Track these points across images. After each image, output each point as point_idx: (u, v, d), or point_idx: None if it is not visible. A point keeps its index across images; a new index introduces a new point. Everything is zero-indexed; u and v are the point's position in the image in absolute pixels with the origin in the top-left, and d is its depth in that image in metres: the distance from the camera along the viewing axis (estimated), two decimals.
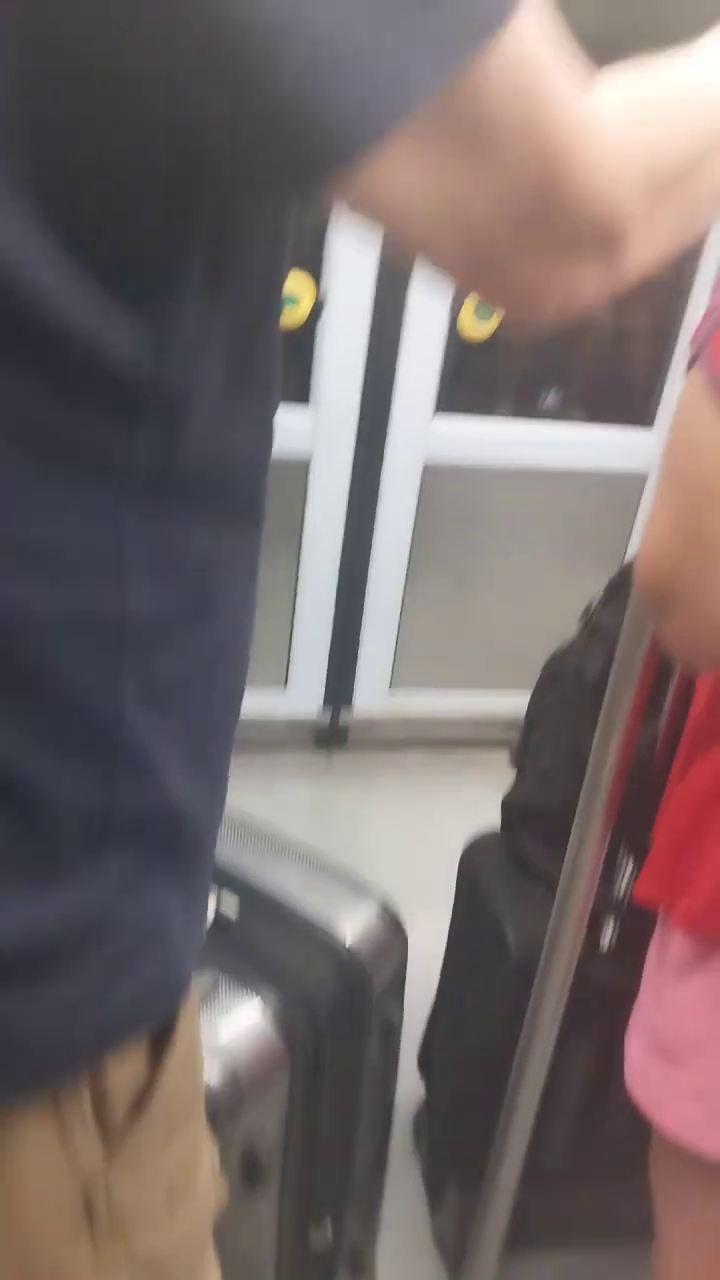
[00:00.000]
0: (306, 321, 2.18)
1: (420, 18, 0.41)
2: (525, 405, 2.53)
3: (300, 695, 2.58)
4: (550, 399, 2.50)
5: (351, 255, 2.12)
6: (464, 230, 0.48)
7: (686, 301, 2.36)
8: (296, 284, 2.11)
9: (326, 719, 2.63)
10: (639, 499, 2.52)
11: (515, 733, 1.44)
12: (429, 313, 2.23)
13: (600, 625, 1.29)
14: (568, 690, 1.33)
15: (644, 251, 0.54)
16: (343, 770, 2.66)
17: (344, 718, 2.65)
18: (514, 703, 2.43)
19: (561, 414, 2.54)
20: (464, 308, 2.26)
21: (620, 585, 1.33)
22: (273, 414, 0.59)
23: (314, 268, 2.14)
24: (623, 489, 2.52)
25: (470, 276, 0.51)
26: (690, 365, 0.77)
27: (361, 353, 2.24)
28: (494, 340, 2.34)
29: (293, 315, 2.13)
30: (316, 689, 2.59)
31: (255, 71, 0.39)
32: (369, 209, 0.47)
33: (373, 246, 0.61)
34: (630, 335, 2.52)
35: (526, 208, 0.48)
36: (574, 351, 2.54)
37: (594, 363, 2.56)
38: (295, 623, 2.50)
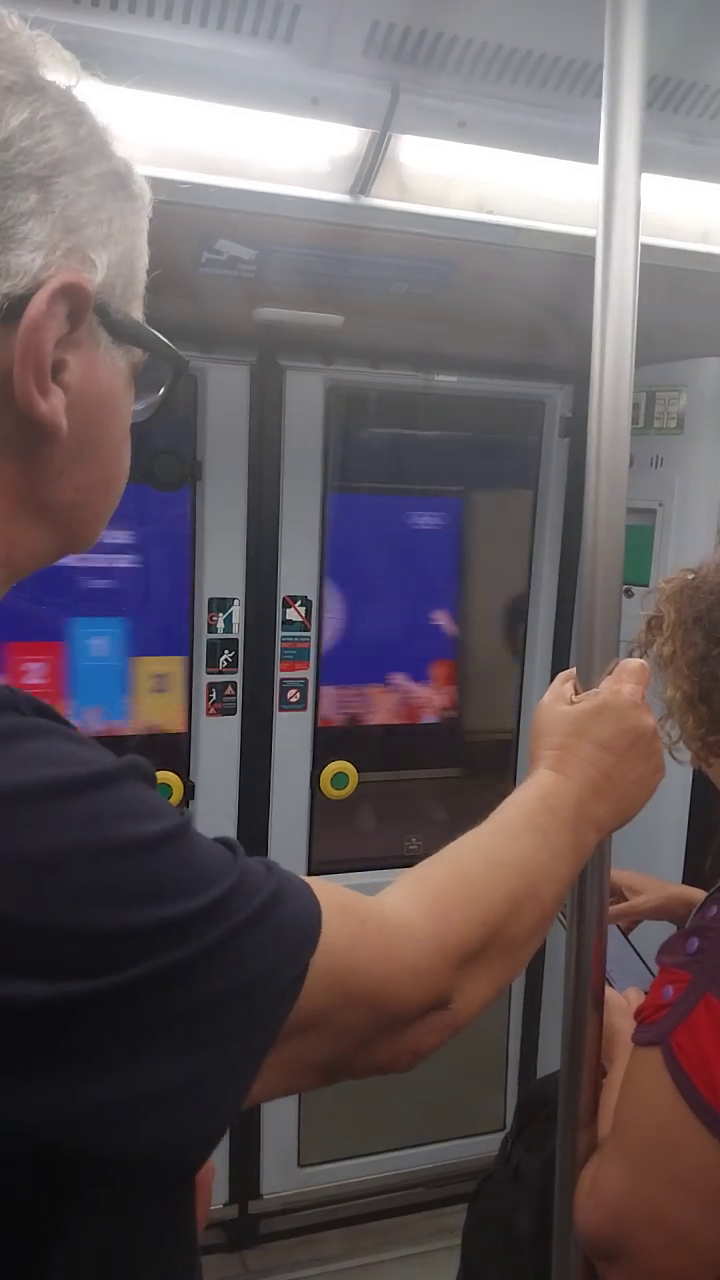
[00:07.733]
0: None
1: (220, 1028, 0.48)
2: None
3: None
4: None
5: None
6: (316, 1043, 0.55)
7: None
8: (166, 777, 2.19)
9: (234, 1213, 2.39)
10: None
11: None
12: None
13: (521, 1168, 1.25)
14: (496, 1243, 1.25)
15: (473, 1000, 0.63)
16: (258, 1268, 2.37)
17: (252, 1208, 2.40)
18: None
19: None
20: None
21: (531, 1113, 1.30)
22: None
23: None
24: None
25: (331, 1078, 0.58)
26: (639, 1040, 0.81)
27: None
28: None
29: None
30: (219, 1182, 2.36)
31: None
32: None
33: None
34: None
35: (366, 1032, 0.57)
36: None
37: None
38: None
